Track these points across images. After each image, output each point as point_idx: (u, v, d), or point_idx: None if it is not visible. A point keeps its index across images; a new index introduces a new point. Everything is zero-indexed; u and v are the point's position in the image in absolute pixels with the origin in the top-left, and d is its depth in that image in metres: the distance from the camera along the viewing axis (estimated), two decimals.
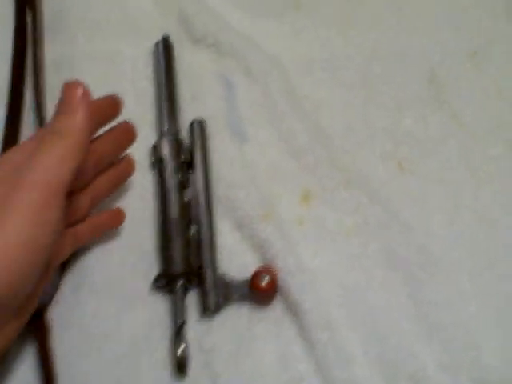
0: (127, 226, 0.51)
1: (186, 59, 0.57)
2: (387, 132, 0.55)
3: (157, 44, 0.57)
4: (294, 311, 0.48)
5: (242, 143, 0.54)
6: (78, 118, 0.40)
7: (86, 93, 0.41)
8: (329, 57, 0.58)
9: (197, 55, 0.58)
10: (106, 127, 0.48)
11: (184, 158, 0.52)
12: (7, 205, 0.38)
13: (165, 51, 0.56)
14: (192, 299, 0.49)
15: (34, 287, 0.41)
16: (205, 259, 0.49)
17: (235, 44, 0.57)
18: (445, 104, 0.56)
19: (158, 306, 0.49)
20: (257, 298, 0.48)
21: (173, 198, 0.50)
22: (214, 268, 0.49)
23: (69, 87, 0.41)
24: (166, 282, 0.49)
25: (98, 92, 0.47)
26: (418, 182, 0.53)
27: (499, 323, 0.49)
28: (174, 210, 0.50)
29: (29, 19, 0.57)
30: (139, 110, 0.55)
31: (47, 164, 0.39)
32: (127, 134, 0.50)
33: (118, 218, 0.51)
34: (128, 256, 0.51)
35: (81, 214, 0.47)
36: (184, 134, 0.54)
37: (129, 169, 0.52)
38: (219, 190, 0.52)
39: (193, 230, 0.50)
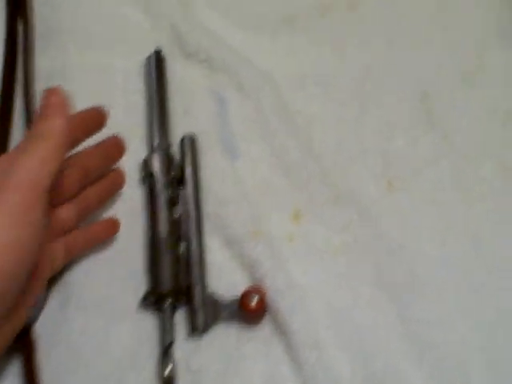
0: (116, 241, 0.51)
1: (177, 73, 0.57)
2: (378, 150, 0.55)
3: (149, 57, 0.57)
4: (282, 331, 0.48)
5: (234, 159, 0.54)
6: (58, 121, 0.42)
7: (65, 98, 0.43)
8: (321, 73, 0.58)
9: (189, 70, 0.58)
10: (96, 141, 0.48)
11: (174, 174, 0.52)
12: None
13: (157, 64, 0.56)
14: (180, 316, 0.49)
15: (20, 291, 0.41)
16: (194, 277, 0.49)
17: (227, 59, 0.57)
18: (436, 124, 0.56)
19: (147, 323, 0.48)
20: (246, 317, 0.48)
21: (162, 214, 0.50)
22: (203, 286, 0.49)
23: (48, 93, 0.43)
24: (154, 300, 0.48)
25: (88, 104, 0.48)
26: (408, 202, 0.53)
27: (488, 343, 0.49)
28: (164, 228, 0.49)
29: (20, 28, 0.57)
30: (130, 124, 0.55)
31: (29, 166, 0.40)
32: (116, 147, 0.51)
33: (113, 228, 0.51)
34: (116, 272, 0.50)
35: (69, 226, 0.48)
36: (175, 148, 0.54)
37: (119, 181, 0.52)
38: (209, 206, 0.52)
39: (182, 247, 0.50)
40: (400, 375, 0.48)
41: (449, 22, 0.60)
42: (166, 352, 0.47)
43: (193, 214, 0.51)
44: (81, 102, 0.49)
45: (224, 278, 0.50)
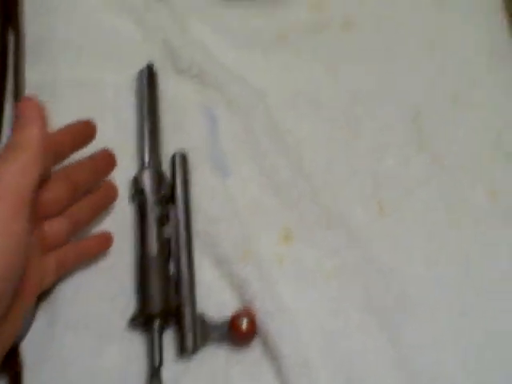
0: (105, 258, 0.51)
1: (169, 88, 0.57)
2: (368, 172, 0.55)
3: (141, 72, 0.56)
4: (272, 354, 0.48)
5: (224, 177, 0.54)
6: (35, 131, 0.42)
7: (41, 107, 0.43)
8: (314, 92, 0.58)
9: (181, 85, 0.57)
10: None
11: (165, 192, 0.51)
12: None
13: (149, 79, 0.56)
14: (169, 337, 0.49)
15: (8, 303, 0.40)
16: (183, 298, 0.48)
17: (220, 76, 0.57)
18: (427, 145, 0.56)
19: (135, 344, 0.48)
20: (236, 339, 0.48)
21: (152, 234, 0.50)
22: (193, 307, 0.48)
23: (23, 103, 0.43)
24: (142, 321, 0.48)
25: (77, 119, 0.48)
26: (398, 225, 0.53)
27: (479, 367, 0.49)
28: (154, 247, 0.49)
29: (11, 40, 0.56)
30: (120, 139, 0.54)
31: (9, 177, 0.40)
32: (106, 161, 0.51)
33: (105, 242, 0.51)
34: (105, 290, 0.50)
35: (60, 239, 0.47)
36: (165, 165, 0.53)
37: (111, 194, 0.52)
38: (199, 224, 0.52)
39: (172, 267, 0.49)
40: None
41: (440, 43, 0.61)
42: (154, 373, 0.47)
43: (183, 232, 0.51)
44: (70, 117, 0.49)
45: (213, 297, 0.50)
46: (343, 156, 0.56)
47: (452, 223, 0.54)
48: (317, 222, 0.52)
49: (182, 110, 0.56)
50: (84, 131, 0.49)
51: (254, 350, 0.48)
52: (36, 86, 0.55)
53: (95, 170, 0.50)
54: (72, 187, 0.47)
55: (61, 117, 0.47)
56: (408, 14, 0.62)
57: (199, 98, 0.57)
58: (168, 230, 0.50)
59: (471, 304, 0.51)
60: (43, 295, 0.49)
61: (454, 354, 0.49)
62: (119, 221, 0.52)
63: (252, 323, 0.47)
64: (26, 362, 0.47)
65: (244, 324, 0.47)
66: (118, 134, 0.55)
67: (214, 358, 0.48)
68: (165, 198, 0.51)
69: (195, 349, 0.47)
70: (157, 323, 0.47)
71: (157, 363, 0.46)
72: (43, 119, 0.43)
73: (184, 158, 0.53)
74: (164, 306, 0.48)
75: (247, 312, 0.48)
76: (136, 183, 0.52)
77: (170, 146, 0.54)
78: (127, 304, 0.49)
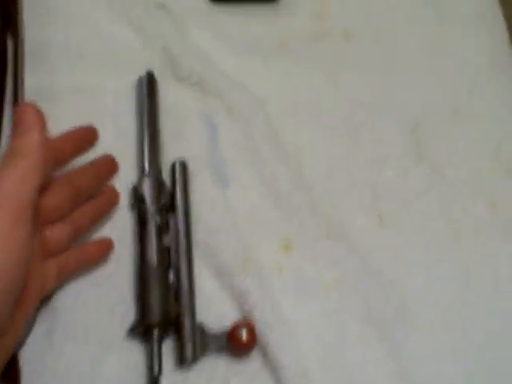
0: (104, 266, 0.50)
1: (169, 96, 0.57)
2: (368, 183, 0.55)
3: (140, 79, 0.56)
4: (272, 365, 0.48)
5: (224, 187, 0.54)
6: (35, 137, 0.42)
7: (40, 113, 0.43)
8: (313, 100, 0.58)
9: (181, 92, 0.57)
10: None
11: (164, 202, 0.51)
12: None
13: (148, 87, 0.55)
14: (168, 346, 0.48)
15: (8, 316, 0.40)
16: (183, 308, 0.48)
17: (220, 83, 0.57)
18: (427, 156, 0.57)
19: (134, 353, 0.48)
20: (235, 350, 0.48)
21: (152, 243, 0.49)
22: (193, 317, 0.48)
23: (21, 109, 0.43)
24: (142, 330, 0.48)
25: (76, 125, 0.48)
26: (397, 236, 0.54)
27: (479, 378, 0.49)
28: (153, 256, 0.49)
29: (10, 45, 0.56)
30: (119, 147, 0.54)
31: (10, 185, 0.40)
32: (108, 166, 0.51)
33: (107, 248, 0.51)
34: (104, 298, 0.50)
35: (61, 245, 0.47)
36: (165, 172, 0.53)
37: (113, 199, 0.52)
38: (199, 234, 0.52)
39: (172, 276, 0.49)
40: None
41: (441, 55, 0.61)
42: (153, 382, 0.46)
43: (183, 242, 0.50)
44: (69, 123, 0.49)
45: (213, 307, 0.50)
46: (343, 165, 0.56)
47: (452, 235, 0.54)
48: (316, 232, 0.52)
49: (181, 118, 0.56)
50: (85, 137, 0.49)
51: (254, 361, 0.48)
52: (35, 91, 0.55)
53: (97, 176, 0.50)
54: (74, 193, 0.47)
55: (59, 123, 0.47)
56: (407, 26, 0.62)
57: (199, 106, 0.57)
58: (168, 239, 0.50)
59: (471, 316, 0.51)
60: (42, 303, 0.48)
61: (453, 365, 0.49)
62: (119, 229, 0.52)
63: (252, 334, 0.47)
64: (25, 371, 0.47)
65: (244, 335, 0.47)
66: (117, 141, 0.54)
67: (214, 368, 0.48)
68: (165, 206, 0.51)
69: (194, 359, 0.47)
70: (156, 333, 0.47)
71: (156, 373, 0.46)
72: (43, 125, 0.42)
73: (184, 167, 0.53)
74: (163, 316, 0.47)
75: (247, 323, 0.48)
76: (136, 192, 0.52)
77: (169, 154, 0.54)
78: (126, 313, 0.49)
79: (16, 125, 0.42)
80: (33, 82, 0.55)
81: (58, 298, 0.49)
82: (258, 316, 0.48)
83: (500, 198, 0.56)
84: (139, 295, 0.49)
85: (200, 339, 0.48)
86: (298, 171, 0.55)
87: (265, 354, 0.48)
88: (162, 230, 0.50)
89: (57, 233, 0.47)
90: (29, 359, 0.47)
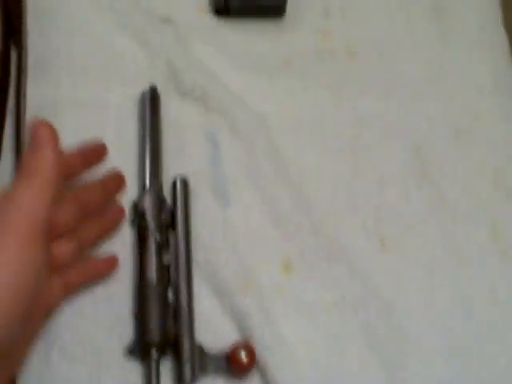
0: (103, 284, 0.50)
1: (172, 111, 0.56)
2: (370, 206, 0.55)
3: (143, 94, 0.56)
4: None
5: (225, 206, 0.54)
6: (49, 155, 0.42)
7: (54, 130, 0.43)
8: (317, 118, 0.58)
9: (184, 107, 0.57)
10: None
11: (165, 219, 0.51)
12: None
13: (151, 101, 0.55)
14: (167, 366, 0.48)
15: (19, 331, 0.40)
16: (182, 328, 0.48)
17: (223, 99, 0.57)
18: (429, 180, 0.56)
19: (132, 373, 0.48)
20: (234, 371, 0.47)
21: (152, 260, 0.49)
22: (192, 337, 0.48)
23: (36, 127, 0.43)
24: (140, 350, 0.47)
25: (78, 140, 0.49)
26: (399, 260, 0.53)
27: None
28: (153, 274, 0.49)
29: (13, 57, 0.56)
30: (121, 162, 0.53)
31: (25, 204, 0.41)
32: (115, 182, 0.52)
33: (112, 264, 0.50)
34: (102, 317, 0.49)
35: (68, 260, 0.47)
36: (166, 188, 0.53)
37: (119, 216, 0.52)
38: (199, 253, 0.51)
39: (171, 295, 0.49)
40: None
41: (445, 77, 0.61)
42: None
43: (182, 260, 0.50)
44: (71, 137, 0.49)
45: (212, 327, 0.50)
46: (346, 186, 0.56)
47: (453, 259, 0.53)
48: (317, 253, 0.52)
49: (184, 133, 0.56)
50: (95, 152, 0.50)
51: (252, 382, 0.48)
52: (37, 104, 0.55)
53: (105, 192, 0.51)
54: (81, 208, 0.48)
55: (61, 135, 0.46)
56: (411, 49, 0.62)
57: (202, 121, 0.56)
58: (168, 257, 0.50)
59: (472, 341, 0.51)
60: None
61: None
62: (118, 245, 0.51)
63: (251, 355, 0.47)
64: None
65: (243, 356, 0.47)
66: (118, 155, 0.54)
67: None
68: (165, 223, 0.51)
69: (193, 379, 0.47)
70: (154, 353, 0.47)
71: None
72: (56, 143, 0.43)
73: (185, 184, 0.53)
74: (162, 336, 0.47)
75: (246, 344, 0.48)
76: (136, 208, 0.51)
77: (171, 170, 0.54)
78: (125, 332, 0.49)
79: (30, 142, 0.43)
80: (35, 94, 0.55)
81: (56, 317, 0.48)
82: (257, 337, 0.48)
83: (501, 222, 0.55)
84: (138, 313, 0.48)
85: (199, 360, 0.47)
86: (299, 191, 0.55)
87: (264, 375, 0.48)
88: (162, 247, 0.50)
89: (63, 248, 0.47)
90: (26, 378, 0.46)
